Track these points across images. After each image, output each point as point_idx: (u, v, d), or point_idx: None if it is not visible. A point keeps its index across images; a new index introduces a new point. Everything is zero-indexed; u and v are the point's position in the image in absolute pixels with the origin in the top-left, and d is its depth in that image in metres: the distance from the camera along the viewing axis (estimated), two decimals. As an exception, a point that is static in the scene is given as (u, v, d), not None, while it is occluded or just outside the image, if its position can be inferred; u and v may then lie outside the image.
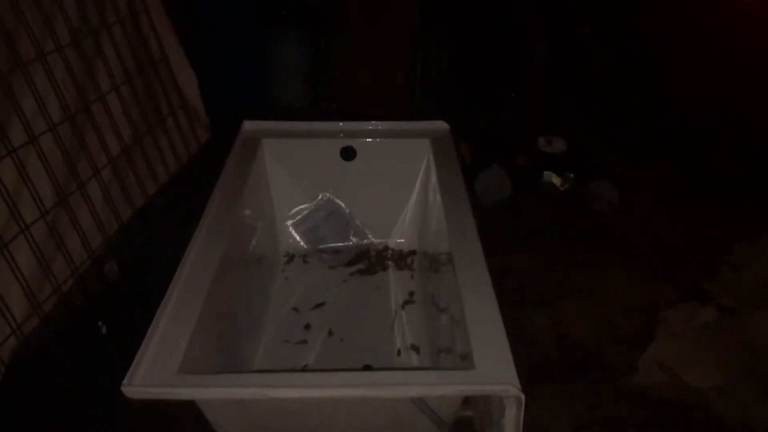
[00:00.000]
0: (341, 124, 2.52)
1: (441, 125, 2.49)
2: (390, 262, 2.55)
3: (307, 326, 2.21)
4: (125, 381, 1.24)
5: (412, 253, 2.56)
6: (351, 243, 2.61)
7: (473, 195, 3.16)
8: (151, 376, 1.26)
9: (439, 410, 1.41)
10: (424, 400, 1.35)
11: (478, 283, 1.56)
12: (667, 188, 3.28)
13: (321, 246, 2.59)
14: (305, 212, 2.59)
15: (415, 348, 2.10)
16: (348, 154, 2.45)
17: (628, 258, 2.76)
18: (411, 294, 2.37)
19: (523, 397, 1.27)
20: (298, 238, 2.60)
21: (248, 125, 2.47)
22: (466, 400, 1.81)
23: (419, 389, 1.29)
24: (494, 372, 1.31)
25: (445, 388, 1.30)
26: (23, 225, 1.65)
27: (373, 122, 2.51)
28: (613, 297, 2.52)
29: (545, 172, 3.25)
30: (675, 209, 3.10)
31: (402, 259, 2.56)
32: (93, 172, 1.97)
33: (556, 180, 3.21)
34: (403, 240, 2.60)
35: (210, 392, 1.27)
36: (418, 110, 3.83)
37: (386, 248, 2.60)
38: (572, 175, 3.22)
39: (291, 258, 2.57)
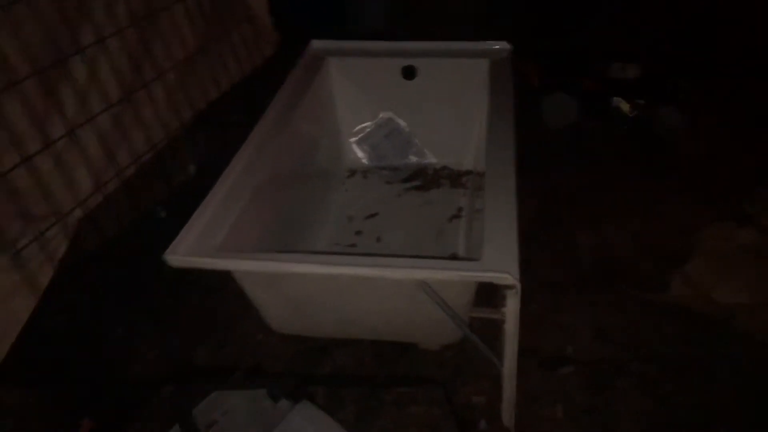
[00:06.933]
0: (404, 43, 2.60)
1: (502, 45, 2.52)
2: (445, 180, 2.64)
3: (359, 232, 2.38)
4: (168, 251, 1.45)
5: (468, 173, 2.64)
6: (410, 161, 2.72)
7: (540, 118, 3.19)
8: (193, 249, 1.47)
9: (449, 300, 1.55)
10: (432, 287, 1.48)
11: (502, 195, 1.64)
12: (741, 115, 3.13)
13: (381, 163, 2.72)
14: (367, 130, 2.73)
15: (455, 256, 2.21)
16: (409, 73, 2.52)
17: (685, 182, 2.70)
18: (459, 210, 2.47)
19: (519, 285, 1.39)
20: (360, 154, 2.74)
21: (316, 44, 2.60)
22: (495, 305, 1.93)
23: (421, 273, 1.43)
24: (497, 263, 1.41)
25: (445, 273, 1.42)
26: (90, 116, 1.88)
27: (435, 42, 2.57)
28: (662, 218, 2.49)
29: (614, 98, 3.18)
30: (743, 136, 2.97)
31: (458, 178, 2.64)
32: (157, 74, 2.17)
33: (624, 106, 3.15)
34: (460, 160, 2.67)
35: (240, 264, 1.47)
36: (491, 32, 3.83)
37: (444, 167, 2.69)
38: (642, 101, 3.15)
39: (353, 173, 2.72)
